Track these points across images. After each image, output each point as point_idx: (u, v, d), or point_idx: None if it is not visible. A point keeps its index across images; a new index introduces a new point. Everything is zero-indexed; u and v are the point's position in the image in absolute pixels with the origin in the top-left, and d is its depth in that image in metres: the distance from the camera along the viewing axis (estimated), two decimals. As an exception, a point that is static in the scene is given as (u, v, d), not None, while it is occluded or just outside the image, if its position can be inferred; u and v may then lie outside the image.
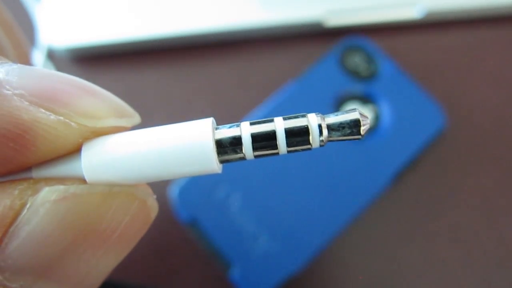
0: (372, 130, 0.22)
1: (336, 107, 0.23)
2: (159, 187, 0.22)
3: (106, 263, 0.10)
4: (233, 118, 0.23)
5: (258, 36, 0.26)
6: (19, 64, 0.09)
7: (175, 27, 0.25)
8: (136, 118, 0.11)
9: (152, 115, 0.24)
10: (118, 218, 0.09)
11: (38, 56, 0.25)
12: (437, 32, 0.26)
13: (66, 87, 0.09)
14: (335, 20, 0.25)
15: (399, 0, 0.25)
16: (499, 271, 0.22)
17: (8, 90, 0.09)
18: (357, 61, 0.23)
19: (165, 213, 0.22)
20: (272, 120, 0.09)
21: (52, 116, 0.09)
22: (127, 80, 0.25)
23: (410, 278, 0.22)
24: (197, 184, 0.21)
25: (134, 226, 0.10)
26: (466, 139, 0.24)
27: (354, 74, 0.23)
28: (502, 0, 0.25)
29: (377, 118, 0.23)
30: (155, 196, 0.11)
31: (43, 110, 0.09)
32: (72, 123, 0.09)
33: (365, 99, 0.23)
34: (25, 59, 0.16)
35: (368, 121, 0.09)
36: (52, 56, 0.26)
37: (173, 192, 0.21)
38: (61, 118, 0.09)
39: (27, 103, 0.09)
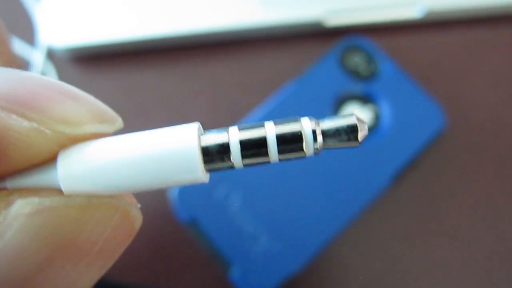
0: (372, 130, 0.22)
1: (336, 107, 0.23)
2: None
3: (89, 276, 0.09)
4: (233, 118, 0.23)
5: (258, 36, 0.26)
6: None
7: (175, 27, 0.25)
8: (118, 123, 0.10)
9: (152, 115, 0.24)
10: (98, 230, 0.09)
11: (38, 56, 0.25)
12: (437, 32, 0.26)
13: (41, 90, 0.09)
14: (335, 20, 0.25)
15: (399, 0, 0.25)
16: (499, 271, 0.22)
17: None
18: (357, 61, 0.23)
19: (165, 213, 0.22)
20: (262, 125, 0.09)
21: (25, 123, 0.08)
22: (127, 80, 0.25)
23: (410, 278, 0.22)
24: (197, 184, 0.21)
25: (116, 238, 0.09)
26: (466, 139, 0.24)
27: (354, 74, 0.23)
28: (502, 0, 0.25)
29: (377, 118, 0.23)
30: (139, 206, 0.10)
31: (15, 117, 0.08)
32: (47, 130, 0.08)
33: (365, 99, 0.23)
34: (9, 58, 0.15)
35: (366, 126, 0.09)
36: (52, 56, 0.26)
37: (173, 192, 0.21)
38: (34, 124, 0.08)
39: None
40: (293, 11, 0.25)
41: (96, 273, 0.09)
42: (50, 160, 0.09)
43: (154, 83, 0.25)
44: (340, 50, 0.23)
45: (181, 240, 0.22)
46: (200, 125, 0.09)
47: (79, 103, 0.09)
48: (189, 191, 0.21)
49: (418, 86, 0.23)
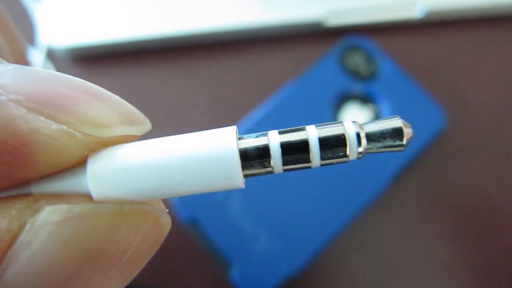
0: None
1: (336, 107, 0.23)
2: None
3: (117, 283, 0.09)
4: (233, 118, 0.23)
5: (258, 36, 0.26)
6: (15, 64, 0.08)
7: (175, 27, 0.25)
8: (147, 125, 0.09)
9: (152, 115, 0.24)
10: (130, 238, 0.08)
11: (38, 56, 0.25)
12: (437, 32, 0.26)
13: (69, 90, 0.08)
14: (335, 20, 0.25)
15: (399, 0, 0.25)
16: (499, 271, 0.22)
17: (3, 95, 0.07)
18: (357, 61, 0.23)
19: (165, 213, 0.22)
20: (303, 129, 0.08)
21: (54, 125, 0.08)
22: (127, 80, 0.25)
23: (410, 278, 0.22)
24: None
25: (146, 245, 0.09)
26: (466, 139, 0.24)
27: (354, 74, 0.23)
28: (502, 0, 0.25)
29: (377, 118, 0.23)
30: (167, 210, 0.10)
31: (43, 118, 0.08)
32: (77, 133, 0.08)
33: (365, 99, 0.23)
34: (20, 55, 0.15)
35: (411, 129, 0.08)
36: (52, 56, 0.26)
37: (173, 192, 0.21)
38: (64, 127, 0.08)
39: (24, 110, 0.07)
40: (293, 11, 0.25)
41: (124, 281, 0.09)
42: (78, 164, 0.08)
43: (154, 83, 0.25)
44: (340, 50, 0.23)
45: (181, 240, 0.22)
46: (237, 129, 0.09)
47: (108, 104, 0.09)
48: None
49: (418, 86, 0.23)
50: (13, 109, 0.07)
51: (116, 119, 0.08)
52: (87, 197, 0.08)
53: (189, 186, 0.08)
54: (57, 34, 0.25)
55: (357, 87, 0.23)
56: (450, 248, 0.22)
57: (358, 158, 0.08)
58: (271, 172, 0.08)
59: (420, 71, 0.25)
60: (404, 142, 0.08)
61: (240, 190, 0.21)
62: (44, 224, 0.08)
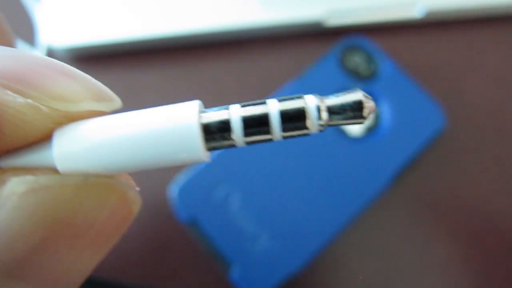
0: (372, 130, 0.22)
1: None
2: (158, 186, 0.22)
3: (85, 261, 0.09)
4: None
5: (258, 36, 0.26)
6: None
7: (175, 27, 0.25)
8: (117, 103, 0.10)
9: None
10: (95, 211, 0.09)
11: (38, 56, 0.25)
12: (437, 32, 0.26)
13: (38, 67, 0.08)
14: (335, 20, 0.25)
15: (399, 0, 0.25)
16: (499, 271, 0.22)
17: None
18: (357, 61, 0.23)
19: (165, 213, 0.22)
20: (265, 102, 0.08)
21: (20, 99, 0.08)
22: (127, 80, 0.25)
23: (410, 278, 0.22)
24: (196, 184, 0.21)
25: (113, 220, 0.09)
26: (466, 139, 0.24)
27: (354, 74, 0.23)
28: (502, 0, 0.25)
29: (377, 118, 0.23)
30: (138, 189, 0.10)
31: (10, 92, 0.08)
32: (42, 107, 0.08)
33: (365, 99, 0.23)
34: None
35: (372, 103, 0.08)
36: (52, 56, 0.26)
37: (173, 192, 0.21)
38: (30, 101, 0.08)
39: None
40: (293, 11, 0.25)
41: (92, 259, 0.09)
42: (45, 138, 0.08)
43: (154, 83, 0.25)
44: (340, 50, 0.23)
45: (181, 240, 0.22)
46: (201, 103, 0.09)
47: (77, 81, 0.09)
48: (189, 191, 0.21)
49: (418, 86, 0.23)
50: None
51: (83, 94, 0.09)
52: (54, 170, 0.08)
53: (153, 160, 0.08)
54: (57, 34, 0.25)
55: (357, 87, 0.23)
56: (450, 248, 0.22)
57: (319, 131, 0.08)
58: (233, 145, 0.08)
59: (420, 71, 0.25)
60: (365, 114, 0.08)
61: (240, 190, 0.21)
62: (10, 194, 0.08)
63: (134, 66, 0.26)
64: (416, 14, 0.25)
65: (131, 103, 0.25)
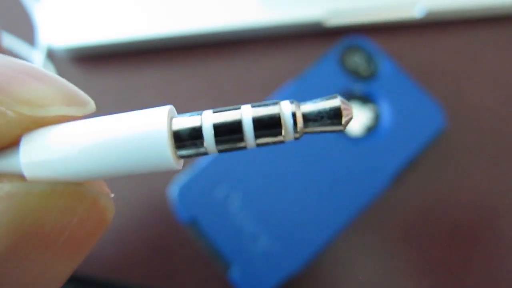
0: (372, 130, 0.22)
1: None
2: (158, 186, 0.22)
3: (58, 268, 0.09)
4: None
5: (258, 36, 0.26)
6: None
7: (175, 27, 0.25)
8: (90, 107, 0.09)
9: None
10: (64, 219, 0.08)
11: (38, 56, 0.25)
12: (437, 32, 0.26)
13: (6, 71, 0.08)
14: (335, 20, 0.25)
15: (399, 0, 0.25)
16: (499, 271, 0.22)
17: None
18: (357, 61, 0.23)
19: (165, 213, 0.22)
20: (238, 108, 0.08)
21: None
22: (127, 80, 0.25)
23: (410, 278, 0.22)
24: (196, 184, 0.21)
25: (84, 228, 0.09)
26: (466, 139, 0.24)
27: (354, 74, 0.23)
28: (502, 0, 0.25)
29: (377, 118, 0.23)
30: (112, 195, 0.09)
31: None
32: (9, 112, 0.08)
33: (365, 99, 0.23)
34: None
35: (351, 109, 0.08)
36: (52, 56, 0.26)
37: (173, 192, 0.21)
38: None
39: None
40: (293, 11, 0.25)
41: (66, 266, 0.09)
42: (12, 144, 0.08)
43: (154, 83, 0.25)
44: (340, 50, 0.23)
45: (181, 240, 0.22)
46: (173, 108, 0.09)
47: (46, 84, 0.08)
48: (189, 191, 0.21)
49: (418, 86, 0.23)
50: None
51: (53, 98, 0.08)
52: (21, 177, 0.08)
53: (123, 167, 0.08)
54: (57, 34, 0.25)
55: (357, 87, 0.23)
56: (450, 248, 0.22)
57: (295, 139, 0.08)
58: (205, 153, 0.08)
59: (420, 71, 0.25)
60: (343, 122, 0.08)
61: (240, 190, 0.21)
62: None
63: (134, 66, 0.26)
64: (416, 14, 0.25)
65: (131, 103, 0.25)
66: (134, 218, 0.23)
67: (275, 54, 0.26)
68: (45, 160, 0.08)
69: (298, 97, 0.24)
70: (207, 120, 0.08)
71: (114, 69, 0.25)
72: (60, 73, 0.25)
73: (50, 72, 0.09)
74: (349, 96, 0.23)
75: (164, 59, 0.26)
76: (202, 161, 0.21)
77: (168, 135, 0.08)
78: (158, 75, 0.25)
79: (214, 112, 0.08)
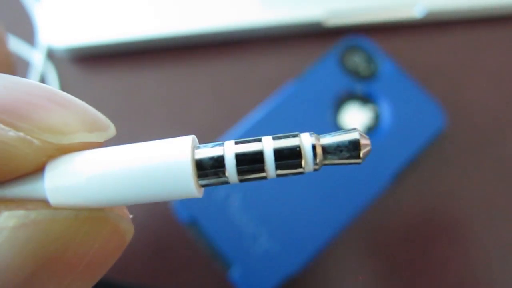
0: (372, 130, 0.22)
1: (336, 107, 0.23)
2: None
3: None
4: (233, 118, 0.23)
5: (258, 36, 0.26)
6: None
7: (175, 27, 0.25)
8: (110, 131, 0.09)
9: (152, 115, 0.24)
10: (86, 245, 0.08)
11: (38, 56, 0.25)
12: (437, 32, 0.26)
13: (30, 97, 0.08)
14: (335, 20, 0.25)
15: (399, 0, 0.25)
16: (499, 271, 0.22)
17: None
18: (357, 61, 0.23)
19: (165, 213, 0.22)
20: (260, 140, 0.08)
21: (11, 133, 0.08)
22: (127, 80, 0.25)
23: (409, 278, 0.22)
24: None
25: (105, 252, 0.09)
26: (466, 139, 0.24)
27: (354, 74, 0.23)
28: (502, 0, 0.25)
29: (377, 118, 0.23)
30: (131, 216, 0.10)
31: (1, 126, 0.08)
32: (34, 140, 0.08)
33: (365, 99, 0.23)
34: (3, 56, 0.15)
35: (369, 142, 0.08)
36: (52, 56, 0.26)
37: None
38: (21, 134, 0.08)
39: None
40: (293, 11, 0.25)
41: (85, 285, 0.09)
42: (37, 170, 0.08)
43: (154, 83, 0.25)
44: (340, 50, 0.23)
45: (181, 240, 0.22)
46: (196, 138, 0.09)
47: (69, 110, 0.09)
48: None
49: (418, 86, 0.23)
50: None
51: (76, 125, 0.09)
52: (45, 203, 0.08)
53: (146, 195, 0.08)
54: (57, 34, 0.25)
55: (357, 87, 0.23)
56: (450, 248, 0.22)
57: (314, 170, 0.08)
58: (227, 182, 0.08)
59: (420, 71, 0.25)
60: (361, 155, 0.08)
61: (240, 190, 0.21)
62: (0, 229, 0.08)
63: (134, 66, 0.26)
64: (416, 14, 0.25)
65: (131, 103, 0.25)
66: (134, 218, 0.23)
67: (275, 54, 0.26)
68: (70, 186, 0.08)
69: (299, 97, 0.24)
70: (229, 150, 0.08)
71: (114, 69, 0.25)
72: (60, 73, 0.25)
73: (71, 96, 0.09)
74: (349, 96, 0.23)
75: (164, 59, 0.26)
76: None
77: (192, 165, 0.08)
78: (158, 75, 0.25)
79: (236, 143, 0.08)
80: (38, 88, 0.09)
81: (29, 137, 0.08)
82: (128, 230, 0.09)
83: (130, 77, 0.25)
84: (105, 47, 0.25)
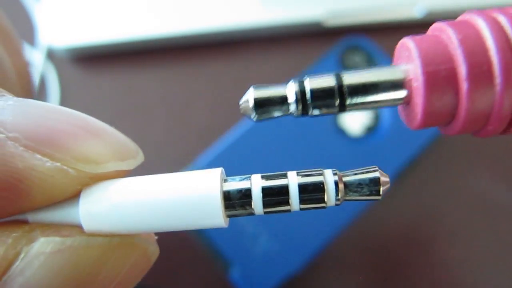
0: (372, 130, 0.22)
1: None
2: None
3: None
4: (233, 118, 0.23)
5: (258, 36, 0.26)
6: (15, 98, 0.09)
7: (175, 27, 0.25)
8: (139, 158, 0.10)
9: (152, 115, 0.24)
10: (117, 268, 0.09)
11: (38, 56, 0.25)
12: (437, 32, 0.26)
13: (65, 127, 0.09)
14: (335, 20, 0.25)
15: (399, 0, 0.25)
16: (498, 271, 0.22)
17: (2, 133, 0.08)
18: (357, 61, 0.23)
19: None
20: (285, 175, 0.09)
21: (49, 163, 0.08)
22: (127, 80, 0.25)
23: (410, 278, 0.22)
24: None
25: (132, 274, 0.09)
26: (466, 139, 0.24)
27: (354, 74, 0.23)
28: (502, 0, 0.25)
29: (377, 118, 0.23)
30: (156, 238, 0.10)
31: (39, 156, 0.08)
32: (70, 170, 0.08)
33: (365, 99, 0.23)
34: (22, 68, 0.15)
35: (388, 180, 0.09)
36: (52, 56, 0.26)
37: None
38: (58, 164, 0.08)
39: (21, 148, 0.08)
40: (293, 11, 0.25)
41: None
42: (72, 197, 0.09)
43: (154, 83, 0.25)
44: (340, 50, 0.23)
45: (181, 240, 0.22)
46: (223, 171, 0.09)
47: (102, 140, 0.09)
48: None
49: (418, 86, 0.23)
50: (11, 147, 0.08)
51: (109, 155, 0.09)
52: (79, 228, 0.09)
53: (174, 224, 0.09)
54: (57, 34, 0.25)
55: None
56: (450, 248, 0.22)
57: (336, 205, 0.09)
58: (252, 214, 0.09)
59: (420, 71, 0.25)
60: (381, 192, 0.09)
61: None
62: (38, 254, 0.08)
63: (134, 66, 0.26)
64: (416, 14, 0.25)
65: (131, 103, 0.25)
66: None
67: (275, 54, 0.26)
68: (103, 214, 0.09)
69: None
70: (256, 184, 0.09)
71: (114, 69, 0.25)
72: (60, 73, 0.25)
73: (102, 123, 0.09)
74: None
75: (164, 59, 0.26)
76: (201, 162, 0.21)
77: (221, 198, 0.09)
78: (158, 75, 0.25)
79: (262, 177, 0.09)
80: (72, 117, 0.09)
81: (65, 167, 0.08)
82: (154, 253, 0.10)
83: (130, 77, 0.25)
84: (105, 47, 0.25)
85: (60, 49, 0.25)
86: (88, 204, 0.09)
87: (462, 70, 0.08)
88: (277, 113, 0.09)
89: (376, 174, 0.09)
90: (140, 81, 0.25)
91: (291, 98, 0.09)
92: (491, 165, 0.23)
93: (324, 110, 0.09)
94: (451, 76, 0.08)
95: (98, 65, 0.26)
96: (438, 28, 0.09)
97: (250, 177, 0.09)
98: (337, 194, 0.09)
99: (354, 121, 0.23)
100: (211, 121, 0.24)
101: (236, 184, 0.09)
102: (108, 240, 0.09)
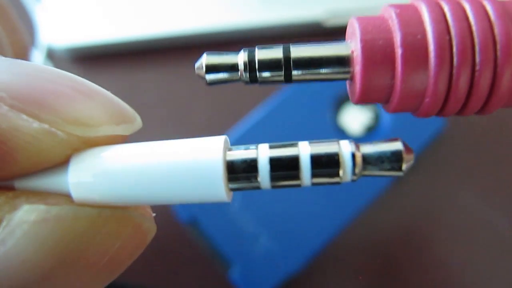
0: (372, 130, 0.22)
1: (336, 107, 0.23)
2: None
3: (93, 286, 0.09)
4: (233, 118, 0.23)
5: (258, 36, 0.26)
6: (2, 57, 0.08)
7: (175, 27, 0.25)
8: (137, 123, 0.09)
9: (152, 115, 0.24)
10: (108, 244, 0.08)
11: (38, 56, 0.25)
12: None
13: (55, 87, 0.08)
14: (335, 20, 0.25)
15: (399, 0, 0.25)
16: (498, 271, 0.22)
17: None
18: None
19: (165, 213, 0.22)
20: (296, 144, 0.08)
21: (35, 124, 0.07)
22: (127, 80, 0.25)
23: (410, 278, 0.22)
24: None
25: (125, 251, 0.09)
26: (466, 139, 0.24)
27: (354, 74, 0.23)
28: (501, 0, 0.25)
29: (377, 118, 0.23)
30: (153, 215, 0.09)
31: (26, 117, 0.07)
32: (59, 133, 0.08)
33: (365, 99, 0.23)
34: (21, 47, 0.14)
35: (412, 154, 0.08)
36: (52, 55, 0.26)
37: (173, 192, 0.21)
38: (46, 126, 0.07)
39: (6, 107, 0.07)
40: (292, 11, 0.25)
41: (103, 283, 0.09)
42: (61, 163, 0.08)
43: (154, 83, 0.25)
44: (340, 50, 0.23)
45: (181, 240, 0.22)
46: (228, 139, 0.08)
47: (95, 101, 0.08)
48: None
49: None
50: None
51: (102, 117, 0.08)
52: (68, 197, 0.08)
53: (172, 195, 0.08)
54: (57, 34, 0.25)
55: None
56: (450, 248, 0.22)
57: (352, 181, 0.08)
58: (258, 188, 0.08)
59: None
60: (403, 168, 0.08)
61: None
62: (20, 222, 0.07)
63: (134, 66, 0.26)
64: (416, 14, 0.25)
65: (131, 103, 0.25)
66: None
67: (275, 54, 0.26)
68: (94, 182, 0.08)
69: (298, 97, 0.24)
70: (263, 153, 0.08)
71: (114, 69, 0.25)
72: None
73: (97, 86, 0.09)
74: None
75: (164, 59, 0.26)
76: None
77: (223, 167, 0.08)
78: (158, 75, 0.25)
79: (270, 147, 0.08)
80: (63, 77, 0.08)
81: (53, 129, 0.08)
82: (150, 230, 0.09)
83: (130, 77, 0.25)
84: (105, 47, 0.25)
85: (60, 49, 0.25)
86: (78, 171, 0.08)
87: (397, 38, 0.08)
88: (227, 78, 0.09)
89: (399, 146, 0.08)
90: (140, 81, 0.25)
91: (241, 66, 0.09)
92: (491, 165, 0.23)
93: (271, 79, 0.09)
94: (388, 46, 0.08)
95: (98, 65, 0.26)
96: (383, 9, 0.10)
97: (256, 146, 0.08)
98: (354, 168, 0.08)
99: (354, 121, 0.23)
100: (211, 121, 0.24)
101: (241, 153, 0.08)
102: (98, 212, 0.08)
